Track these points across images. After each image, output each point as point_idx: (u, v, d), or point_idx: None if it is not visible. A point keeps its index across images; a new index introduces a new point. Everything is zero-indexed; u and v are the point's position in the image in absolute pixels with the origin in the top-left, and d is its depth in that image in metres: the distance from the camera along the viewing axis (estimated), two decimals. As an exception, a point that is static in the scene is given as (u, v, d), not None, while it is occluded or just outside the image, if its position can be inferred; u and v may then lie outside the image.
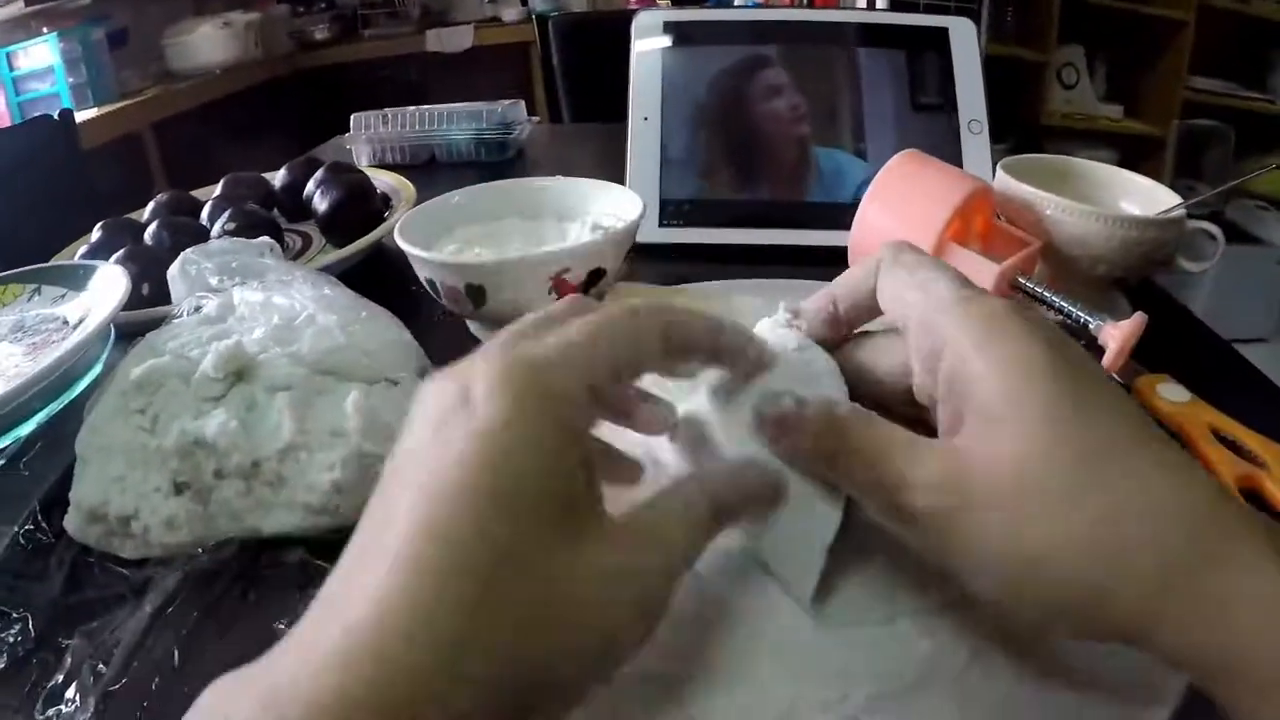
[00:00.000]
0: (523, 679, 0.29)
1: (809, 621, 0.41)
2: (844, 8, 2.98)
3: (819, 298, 0.45)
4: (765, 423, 0.40)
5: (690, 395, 0.45)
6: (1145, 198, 0.79)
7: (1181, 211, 0.73)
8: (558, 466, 0.32)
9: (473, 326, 0.76)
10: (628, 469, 0.44)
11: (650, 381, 0.40)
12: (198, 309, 0.63)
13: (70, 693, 0.44)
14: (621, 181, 0.86)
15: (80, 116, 2.55)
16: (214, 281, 0.64)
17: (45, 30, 2.71)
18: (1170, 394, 0.61)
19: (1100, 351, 0.63)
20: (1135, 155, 3.42)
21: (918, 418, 0.39)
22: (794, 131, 0.97)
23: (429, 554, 0.29)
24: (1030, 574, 0.32)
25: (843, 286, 0.44)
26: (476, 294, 0.67)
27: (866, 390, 0.43)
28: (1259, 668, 0.29)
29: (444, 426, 0.31)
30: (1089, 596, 0.31)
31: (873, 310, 0.43)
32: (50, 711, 0.43)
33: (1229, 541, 0.30)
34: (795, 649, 0.40)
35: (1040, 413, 0.32)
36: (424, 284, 0.71)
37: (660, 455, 0.45)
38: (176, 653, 0.46)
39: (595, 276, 0.69)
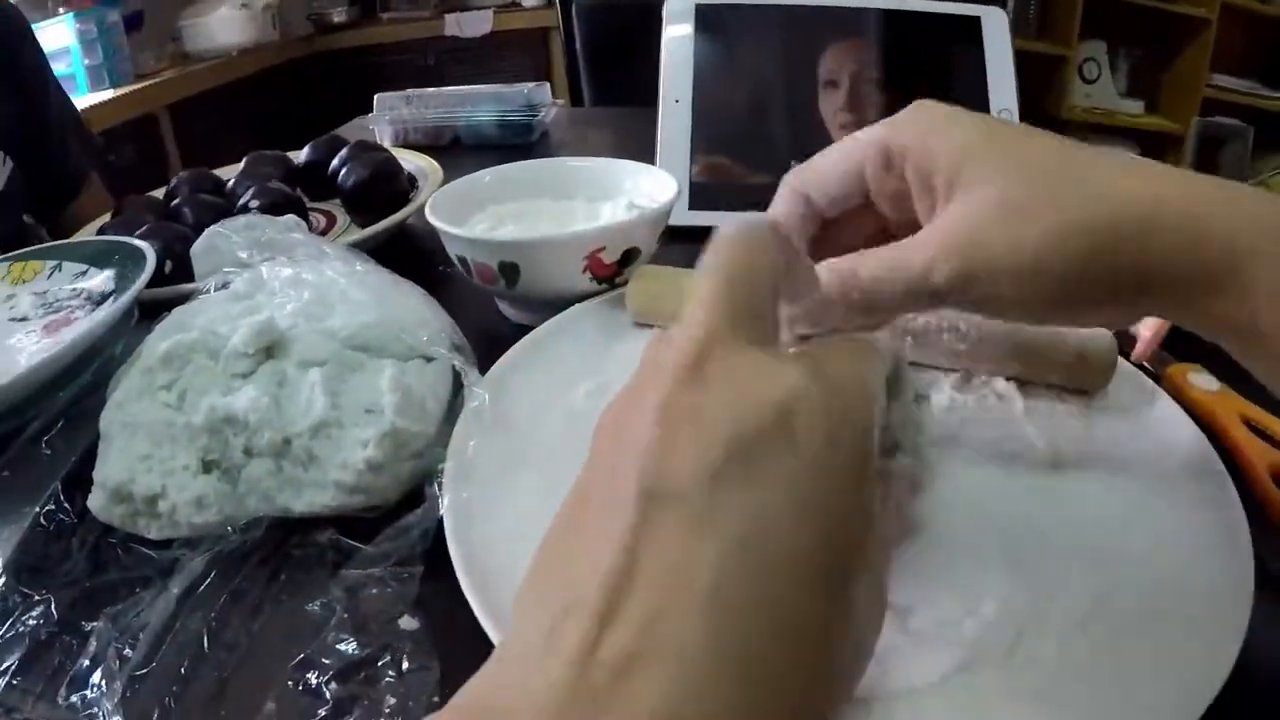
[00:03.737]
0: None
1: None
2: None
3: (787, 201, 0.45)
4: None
5: None
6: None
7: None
8: (863, 504, 0.28)
9: (503, 306, 0.74)
10: None
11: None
12: (225, 285, 0.61)
13: (95, 677, 0.43)
14: (651, 165, 0.84)
15: (96, 98, 2.56)
16: (243, 255, 0.63)
17: (61, 11, 2.70)
18: (1201, 383, 0.60)
19: (1133, 341, 0.62)
20: (1154, 151, 3.42)
21: None
22: (826, 115, 0.95)
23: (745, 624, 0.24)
24: (1040, 261, 0.36)
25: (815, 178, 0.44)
26: (510, 272, 0.66)
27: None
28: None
29: (759, 456, 0.26)
30: (1092, 245, 0.35)
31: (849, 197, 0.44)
32: (74, 697, 0.42)
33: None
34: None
35: (1006, 157, 0.38)
36: (455, 262, 0.70)
37: None
38: (205, 635, 0.45)
39: (629, 257, 0.68)
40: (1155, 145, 3.48)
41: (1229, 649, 0.36)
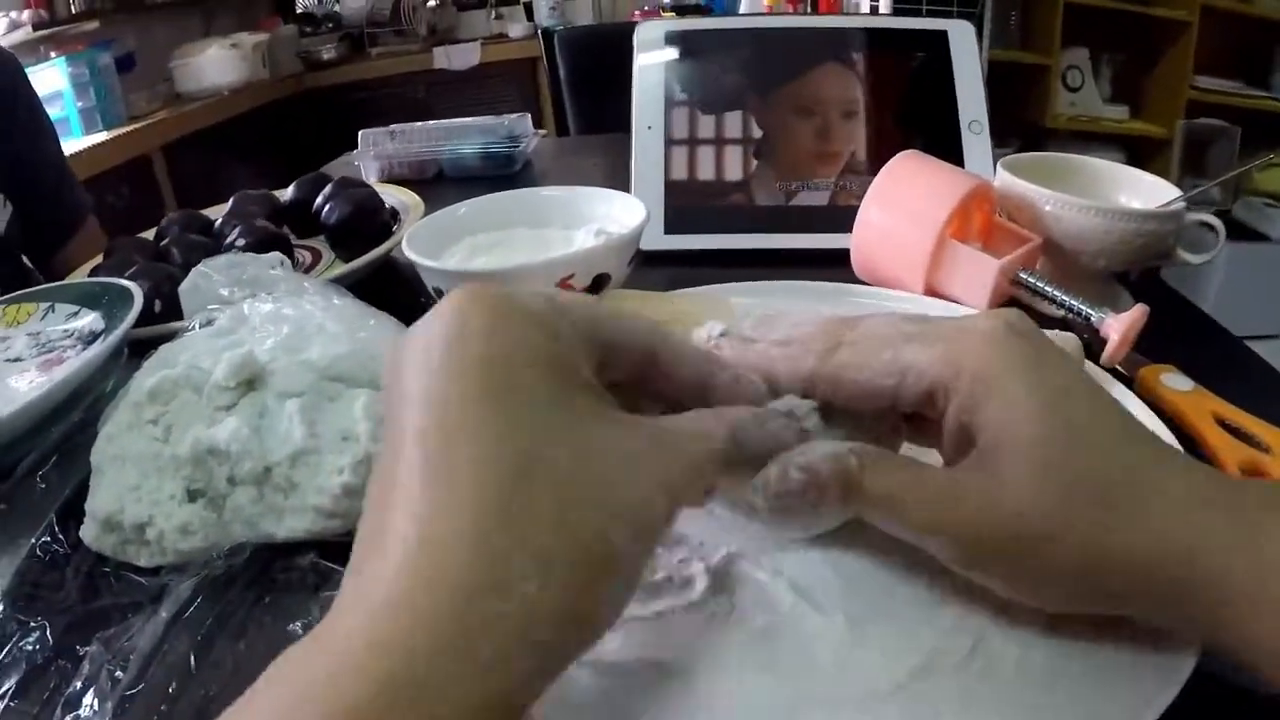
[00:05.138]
0: (577, 550, 0.29)
1: (814, 617, 0.42)
2: (846, 12, 3.00)
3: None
4: (777, 495, 0.39)
5: None
6: (1147, 192, 0.79)
7: (1181, 204, 0.73)
8: (550, 349, 0.33)
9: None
10: None
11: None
12: (209, 322, 0.63)
13: (88, 698, 0.44)
14: (628, 191, 0.86)
15: (90, 141, 2.58)
16: (225, 293, 0.65)
17: (53, 55, 2.73)
18: (1174, 383, 0.62)
19: (1103, 344, 0.63)
20: (1141, 156, 3.43)
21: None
22: (797, 135, 0.98)
23: (451, 460, 0.29)
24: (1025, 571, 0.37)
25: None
26: (483, 301, 0.68)
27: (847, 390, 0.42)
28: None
29: (445, 352, 0.32)
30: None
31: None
32: (69, 717, 0.44)
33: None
34: (798, 644, 0.41)
35: (1033, 464, 0.36)
36: (432, 294, 0.72)
37: None
38: (193, 657, 0.47)
39: (600, 282, 0.70)
40: (1141, 150, 3.49)
41: (1186, 657, 0.37)
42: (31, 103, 1.40)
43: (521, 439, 0.30)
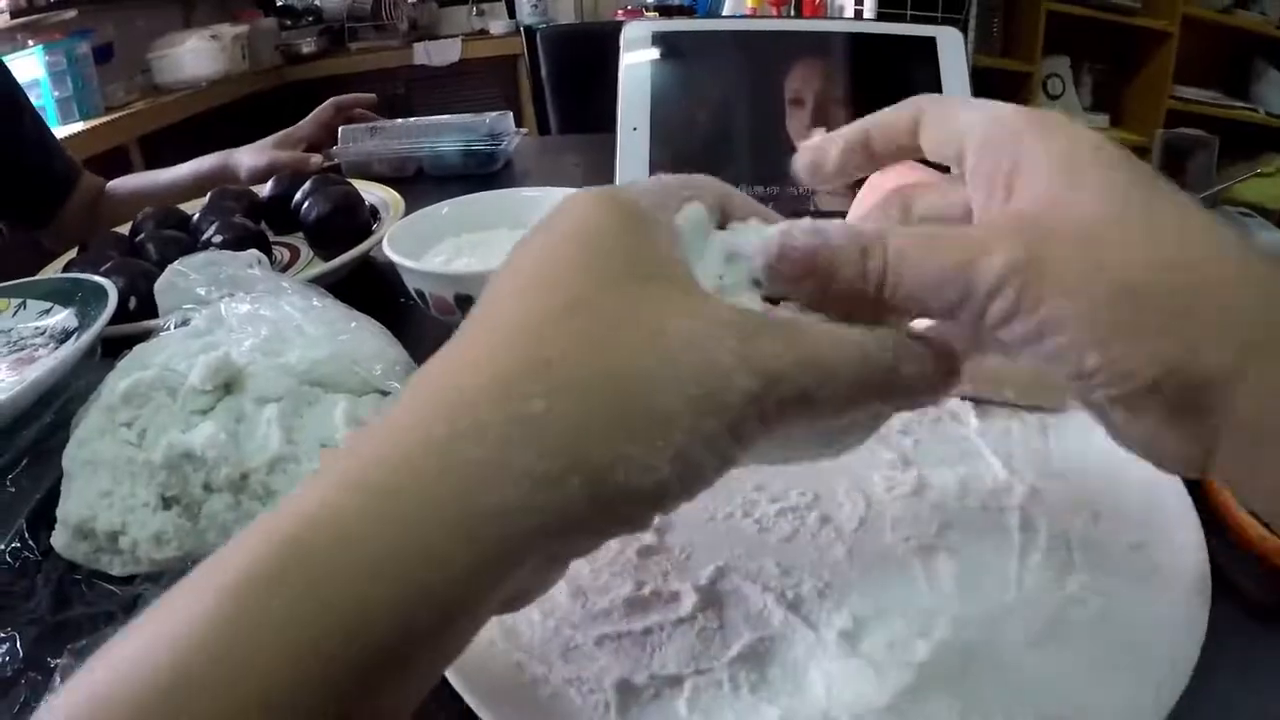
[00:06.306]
0: (616, 389, 0.27)
1: (804, 633, 0.41)
2: (832, 17, 3.00)
3: (852, 128, 0.41)
4: (780, 264, 0.34)
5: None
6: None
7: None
8: (639, 231, 0.33)
9: (462, 337, 0.75)
10: None
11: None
12: (185, 322, 0.62)
13: (59, 712, 0.43)
14: (611, 192, 0.85)
15: (66, 130, 2.56)
16: (202, 293, 0.64)
17: (31, 43, 2.70)
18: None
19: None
20: (1119, 165, 3.44)
21: None
22: (793, 132, 0.97)
23: (510, 307, 0.30)
24: (1121, 304, 0.29)
25: (877, 121, 0.40)
26: (465, 304, 0.67)
27: None
28: None
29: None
30: (1175, 323, 0.29)
31: (905, 150, 0.39)
32: (39, 732, 0.43)
33: None
34: (788, 662, 0.41)
35: (1115, 170, 0.32)
36: (413, 295, 0.71)
37: None
38: (165, 670, 0.46)
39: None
40: (1120, 159, 3.51)
41: (1180, 674, 0.37)
42: (7, 81, 1.39)
43: (578, 286, 0.29)
